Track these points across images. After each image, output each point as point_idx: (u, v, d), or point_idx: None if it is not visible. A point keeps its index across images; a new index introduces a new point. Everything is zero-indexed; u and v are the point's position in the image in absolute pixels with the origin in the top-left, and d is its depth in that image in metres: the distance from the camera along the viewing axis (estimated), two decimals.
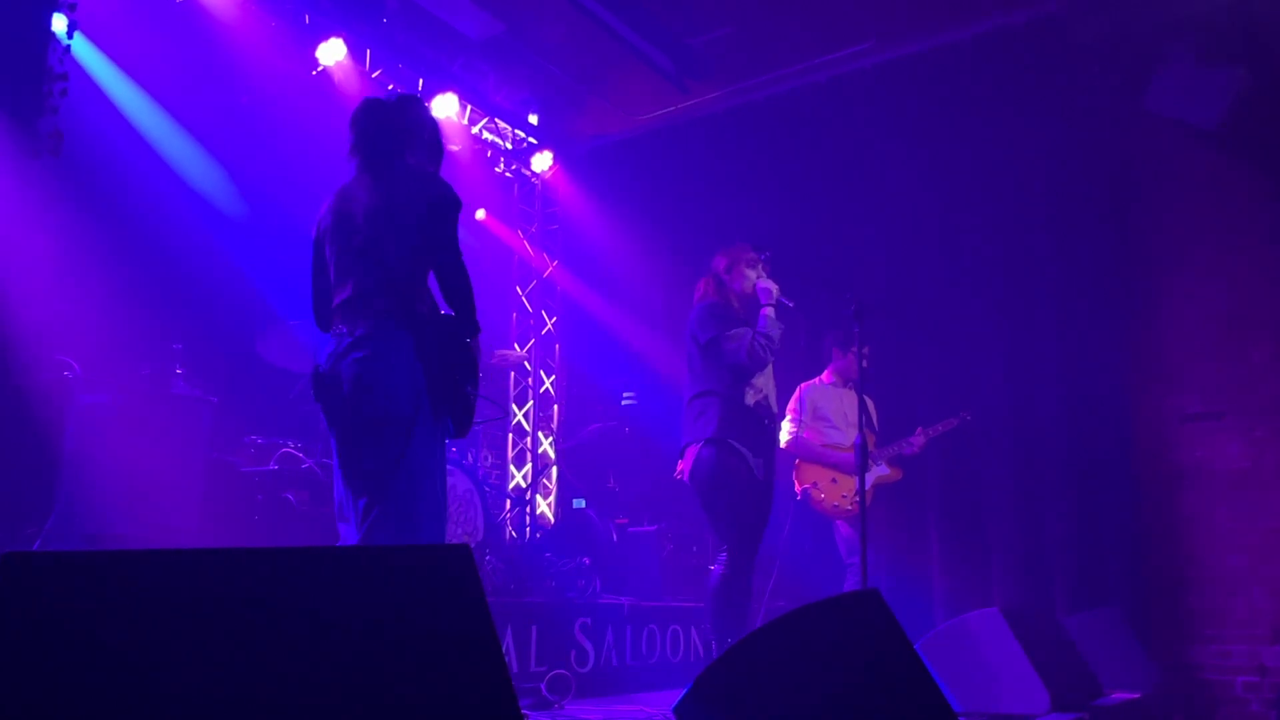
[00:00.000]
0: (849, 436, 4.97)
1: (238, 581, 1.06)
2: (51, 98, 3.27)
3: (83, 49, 4.74)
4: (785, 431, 5.07)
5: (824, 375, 5.23)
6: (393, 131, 2.86)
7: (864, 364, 4.95)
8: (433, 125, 2.97)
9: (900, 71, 6.11)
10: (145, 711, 0.99)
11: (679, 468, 3.99)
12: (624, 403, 6.78)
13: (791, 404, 5.16)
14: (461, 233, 2.83)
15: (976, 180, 5.79)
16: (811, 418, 5.08)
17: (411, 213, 2.74)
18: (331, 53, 5.89)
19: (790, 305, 4.02)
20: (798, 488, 4.98)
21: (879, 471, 4.99)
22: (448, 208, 2.76)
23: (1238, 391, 5.02)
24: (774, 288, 4.01)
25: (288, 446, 4.63)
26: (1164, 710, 4.54)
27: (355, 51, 6.05)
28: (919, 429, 5.08)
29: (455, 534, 5.03)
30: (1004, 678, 3.44)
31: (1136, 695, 4.16)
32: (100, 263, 4.55)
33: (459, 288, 2.77)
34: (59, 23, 3.50)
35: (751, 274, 4.07)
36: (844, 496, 4.88)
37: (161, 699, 1.00)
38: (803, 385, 5.21)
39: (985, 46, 5.81)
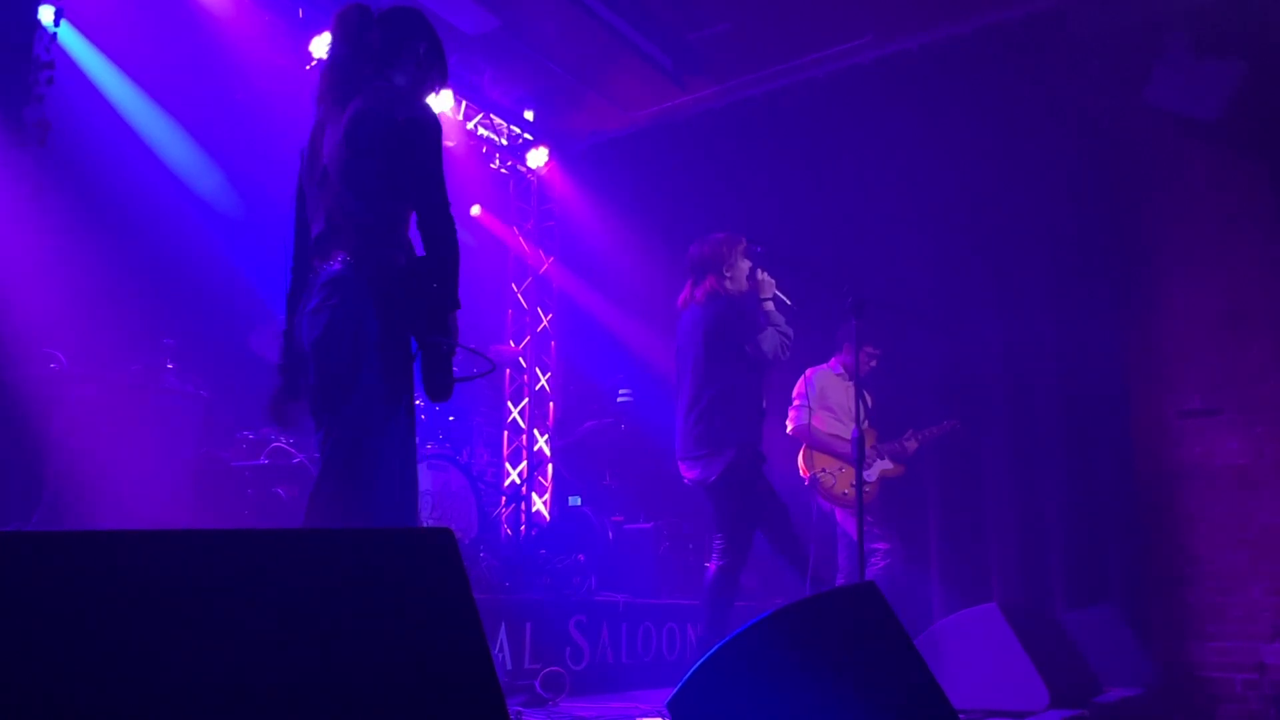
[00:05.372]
0: (849, 429, 4.97)
1: (203, 565, 1.03)
2: (38, 86, 3.23)
3: (70, 39, 4.70)
4: (791, 417, 5.05)
5: (831, 363, 5.20)
6: (365, 45, 2.51)
7: (873, 363, 4.98)
8: (425, 39, 2.57)
9: (898, 66, 6.08)
10: (110, 695, 0.95)
11: (709, 470, 3.92)
12: (620, 400, 6.75)
13: (799, 388, 5.12)
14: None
15: (975, 175, 5.76)
16: (819, 404, 5.05)
17: (373, 139, 2.36)
18: (325, 47, 5.83)
19: (789, 303, 4.08)
20: (804, 473, 4.96)
21: (882, 465, 4.98)
22: (419, 132, 2.36)
23: (1237, 387, 5.00)
24: (771, 282, 4.09)
25: (279, 441, 4.59)
26: (1163, 707, 4.51)
27: None
28: (910, 431, 5.07)
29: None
30: (1003, 674, 3.40)
31: (1135, 692, 4.14)
32: (89, 256, 4.51)
33: (439, 234, 2.35)
34: (46, 12, 3.46)
35: (745, 264, 4.12)
36: (852, 485, 4.86)
37: (125, 683, 0.96)
38: (811, 370, 5.17)
39: (984, 41, 5.78)
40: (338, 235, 2.38)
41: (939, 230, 5.86)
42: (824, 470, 4.92)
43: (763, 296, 4.05)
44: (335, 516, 2.28)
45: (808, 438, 4.98)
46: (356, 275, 2.33)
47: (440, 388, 2.41)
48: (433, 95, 2.68)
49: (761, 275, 4.08)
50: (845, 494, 4.87)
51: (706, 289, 4.09)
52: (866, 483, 4.90)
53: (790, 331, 4.05)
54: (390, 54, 2.53)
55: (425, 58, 2.58)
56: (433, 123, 2.42)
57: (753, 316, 4.02)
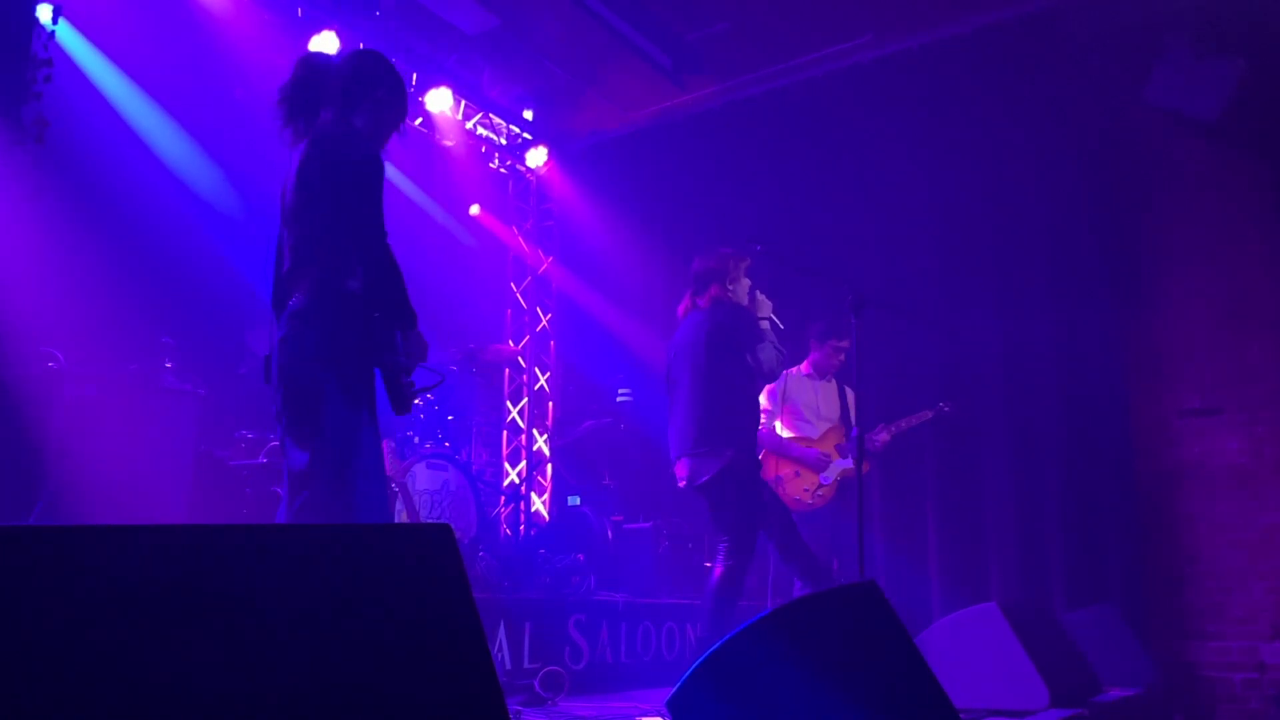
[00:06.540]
0: (819, 429, 4.98)
1: (201, 560, 1.02)
2: (35, 84, 3.22)
3: (68, 37, 4.68)
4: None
5: (802, 366, 5.20)
6: (313, 89, 2.68)
7: (842, 358, 5.00)
8: (384, 84, 2.76)
9: (898, 66, 6.08)
10: (108, 689, 0.94)
11: (705, 469, 3.93)
12: (619, 399, 6.74)
13: (764, 393, 5.13)
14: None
15: (974, 174, 5.76)
16: (782, 407, 5.04)
17: (317, 175, 2.58)
18: (324, 46, 5.82)
19: (782, 326, 4.19)
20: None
21: (842, 465, 4.92)
22: (353, 171, 2.56)
23: (1237, 386, 4.99)
24: (768, 303, 4.17)
25: (277, 441, 4.57)
26: (1162, 707, 4.51)
27: (348, 45, 5.98)
28: (880, 425, 5.02)
29: None
30: (1002, 673, 3.40)
31: (1135, 692, 4.13)
32: (88, 254, 4.50)
33: (375, 266, 2.56)
34: (44, 10, 3.45)
35: (746, 282, 4.19)
36: (805, 490, 4.86)
37: (122, 677, 0.95)
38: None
39: (983, 40, 5.77)
40: (300, 271, 2.60)
41: (939, 230, 5.86)
42: (777, 477, 4.90)
43: (760, 315, 4.12)
44: (321, 518, 2.48)
45: (767, 442, 4.97)
46: (316, 307, 2.55)
47: (395, 401, 2.63)
48: (399, 130, 2.90)
49: (759, 295, 4.16)
50: (798, 500, 4.84)
51: (711, 296, 4.15)
52: (823, 485, 4.87)
53: (784, 350, 4.13)
54: (350, 98, 2.71)
55: (384, 101, 2.77)
56: (369, 161, 2.60)
57: (754, 328, 4.08)
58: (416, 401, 2.76)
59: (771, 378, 4.10)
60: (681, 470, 4.02)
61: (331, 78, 2.72)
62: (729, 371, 3.98)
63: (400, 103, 2.83)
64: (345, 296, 2.53)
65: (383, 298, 2.57)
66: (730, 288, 4.12)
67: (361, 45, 6.16)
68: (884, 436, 4.99)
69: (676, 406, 4.11)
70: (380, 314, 2.55)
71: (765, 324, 4.09)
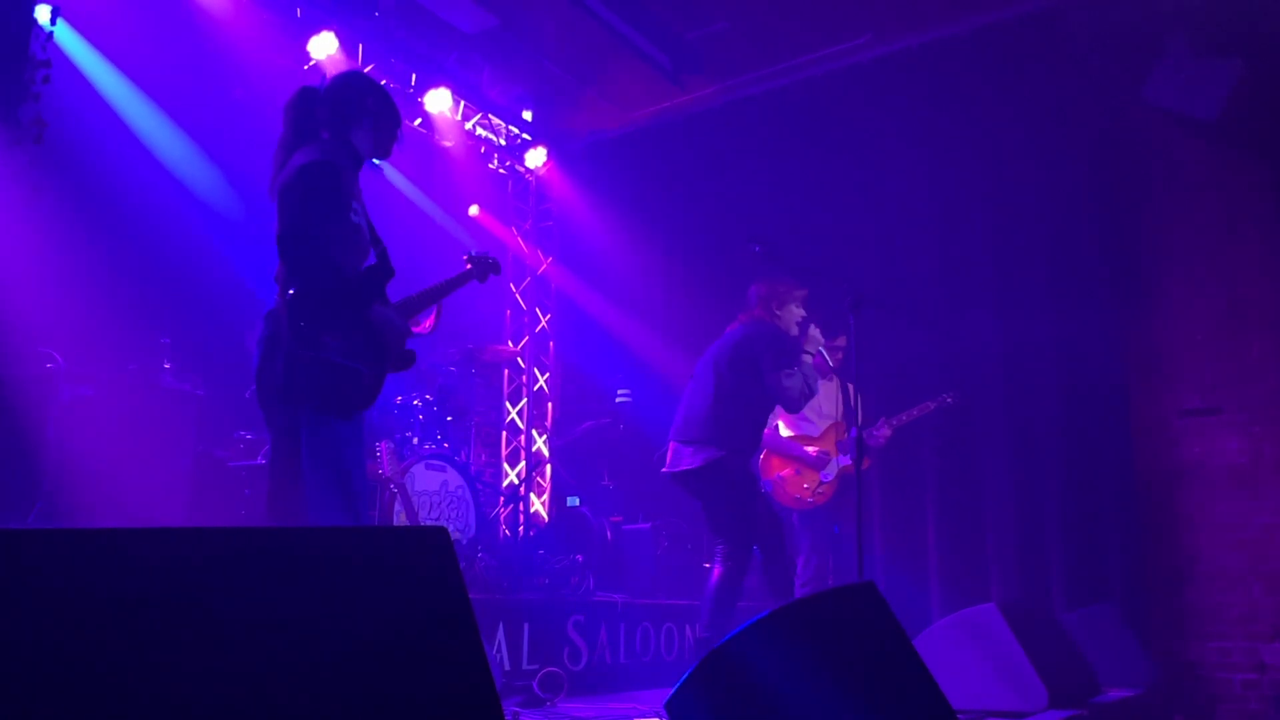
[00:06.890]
0: (820, 426, 4.99)
1: (196, 562, 1.02)
2: (34, 85, 3.22)
3: (67, 37, 4.68)
4: None
5: None
6: (305, 124, 2.78)
7: (839, 356, 5.00)
8: (371, 94, 2.83)
9: (897, 65, 6.07)
10: (102, 691, 0.94)
11: (689, 459, 3.97)
12: (618, 400, 6.74)
13: None
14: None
15: (974, 174, 5.75)
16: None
17: (279, 199, 2.68)
18: (323, 46, 5.82)
19: (832, 366, 4.14)
20: (762, 479, 4.97)
21: (841, 462, 4.92)
22: (295, 177, 2.63)
23: (1236, 386, 4.99)
24: (819, 339, 4.17)
25: None
26: (1162, 707, 4.50)
27: (347, 45, 5.99)
28: (881, 419, 5.01)
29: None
30: (1002, 674, 3.39)
31: (1134, 692, 4.13)
32: (87, 255, 4.50)
33: (300, 264, 2.59)
34: (42, 10, 3.45)
35: (798, 312, 4.22)
36: (806, 488, 4.88)
37: (116, 678, 0.95)
38: None
39: (982, 40, 5.77)
40: (280, 278, 2.74)
41: (938, 230, 5.85)
42: (778, 476, 4.94)
43: (808, 349, 4.12)
44: (287, 504, 2.64)
45: (768, 441, 4.97)
46: (278, 311, 2.67)
47: (338, 405, 2.65)
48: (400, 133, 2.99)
49: (813, 330, 4.17)
50: (798, 499, 4.87)
51: (753, 314, 4.21)
52: (823, 483, 4.87)
53: (817, 390, 4.12)
54: (342, 117, 2.79)
55: (376, 110, 2.84)
56: (314, 167, 2.64)
57: (791, 356, 4.07)
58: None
59: (792, 408, 4.09)
60: (671, 456, 4.07)
61: (319, 107, 2.79)
62: (744, 383, 4.01)
63: (392, 108, 2.89)
64: (288, 301, 2.61)
65: (312, 302, 2.59)
66: (778, 312, 4.18)
67: (360, 46, 6.19)
68: (885, 431, 4.97)
69: (684, 395, 4.17)
70: (306, 322, 2.57)
71: (809, 358, 4.09)
